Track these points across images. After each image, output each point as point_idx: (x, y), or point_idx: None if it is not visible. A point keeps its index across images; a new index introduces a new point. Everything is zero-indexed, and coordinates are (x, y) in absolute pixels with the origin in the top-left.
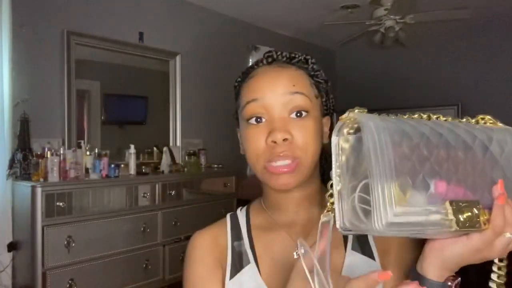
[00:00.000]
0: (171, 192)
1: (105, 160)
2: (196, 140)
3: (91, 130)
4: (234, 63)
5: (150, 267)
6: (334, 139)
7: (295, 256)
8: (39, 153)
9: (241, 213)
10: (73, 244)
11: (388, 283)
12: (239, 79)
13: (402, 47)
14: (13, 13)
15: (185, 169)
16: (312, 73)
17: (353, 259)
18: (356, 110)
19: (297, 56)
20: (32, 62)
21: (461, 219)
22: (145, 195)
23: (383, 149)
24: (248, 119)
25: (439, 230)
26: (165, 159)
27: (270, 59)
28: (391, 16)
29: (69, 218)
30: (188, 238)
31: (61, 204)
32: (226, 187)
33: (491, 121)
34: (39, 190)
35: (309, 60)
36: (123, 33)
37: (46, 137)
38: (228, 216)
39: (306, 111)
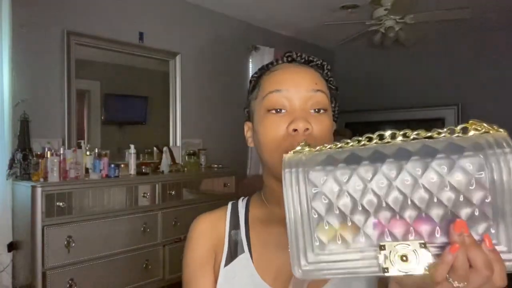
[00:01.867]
0: (171, 192)
1: (105, 160)
2: (196, 140)
3: (91, 130)
4: (234, 63)
5: (150, 267)
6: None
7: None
8: (39, 153)
9: (242, 203)
10: (73, 244)
11: None
12: (257, 73)
13: (402, 47)
14: (13, 13)
15: (185, 169)
16: (327, 78)
17: None
18: (291, 152)
19: (314, 60)
20: (32, 62)
21: (394, 264)
22: (145, 195)
23: (296, 200)
24: (269, 109)
25: (373, 270)
26: (165, 159)
27: (290, 58)
28: (391, 16)
29: (69, 218)
30: None
31: (61, 204)
32: (226, 187)
33: (482, 127)
34: (39, 190)
35: (325, 66)
36: (123, 33)
37: (46, 137)
38: (229, 204)
39: (325, 109)
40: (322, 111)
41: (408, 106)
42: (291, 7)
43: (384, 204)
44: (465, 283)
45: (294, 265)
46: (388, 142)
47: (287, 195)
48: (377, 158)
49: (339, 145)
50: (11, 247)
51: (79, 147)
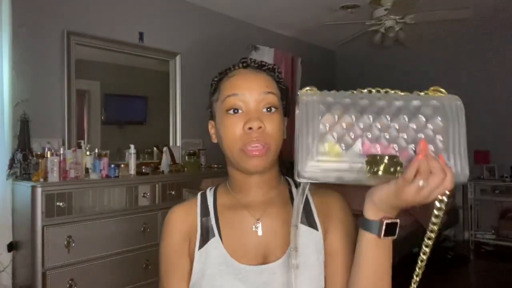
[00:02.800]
0: (171, 192)
1: (105, 160)
2: (196, 140)
3: (91, 130)
4: (234, 63)
5: (150, 267)
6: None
7: (253, 229)
8: (39, 153)
9: (209, 193)
10: (73, 244)
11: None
12: (217, 78)
13: (402, 47)
14: (13, 13)
15: (185, 169)
16: (277, 80)
17: (300, 230)
18: (306, 89)
19: (266, 64)
20: (32, 62)
21: (376, 168)
22: (145, 195)
23: (309, 118)
24: (227, 110)
25: (361, 176)
26: (165, 159)
27: (245, 64)
28: (391, 16)
29: (69, 218)
30: None
31: (61, 204)
32: None
33: (440, 92)
34: (39, 190)
35: (276, 69)
36: (123, 33)
37: (46, 137)
38: (199, 194)
39: (275, 108)
40: (273, 109)
41: None
42: (291, 7)
43: (370, 133)
44: (427, 183)
45: (300, 167)
46: (378, 92)
47: (303, 114)
48: (369, 101)
49: (341, 92)
50: (11, 247)
51: (79, 147)
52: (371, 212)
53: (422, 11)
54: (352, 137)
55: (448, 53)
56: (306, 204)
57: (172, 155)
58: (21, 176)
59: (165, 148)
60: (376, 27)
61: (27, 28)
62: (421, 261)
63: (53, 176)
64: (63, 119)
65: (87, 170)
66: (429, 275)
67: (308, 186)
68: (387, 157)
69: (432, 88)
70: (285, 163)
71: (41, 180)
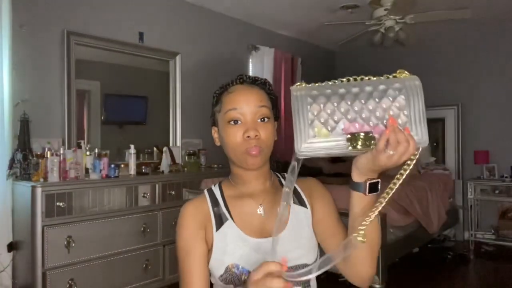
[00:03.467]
0: (171, 192)
1: (105, 160)
2: (196, 140)
3: (91, 130)
4: (234, 63)
5: (150, 267)
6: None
7: (258, 212)
8: (39, 153)
9: (215, 188)
10: (73, 244)
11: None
12: (218, 91)
13: (402, 47)
14: (13, 13)
15: (185, 169)
16: (269, 91)
17: (295, 209)
18: (296, 85)
19: (259, 79)
20: (32, 62)
21: (355, 143)
22: (145, 195)
23: (300, 109)
24: (229, 121)
25: (345, 151)
26: (165, 159)
27: (241, 80)
28: (391, 16)
29: (69, 218)
30: None
31: (61, 204)
32: None
33: (404, 74)
34: (39, 190)
35: (267, 83)
36: (123, 33)
37: (46, 137)
38: (205, 191)
39: (268, 118)
40: (266, 119)
41: None
42: (291, 7)
43: (348, 115)
44: (395, 152)
45: (296, 148)
46: (355, 79)
47: (295, 106)
48: (346, 90)
49: (324, 83)
50: (11, 247)
51: (79, 147)
52: (356, 176)
53: (422, 11)
54: (335, 119)
55: (448, 53)
56: (294, 188)
57: (172, 155)
58: (21, 176)
59: (165, 148)
60: (376, 27)
61: (27, 28)
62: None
63: (53, 176)
64: (63, 119)
65: (87, 170)
66: (429, 275)
67: (298, 164)
68: (362, 134)
69: (398, 70)
70: (274, 161)
71: (41, 180)
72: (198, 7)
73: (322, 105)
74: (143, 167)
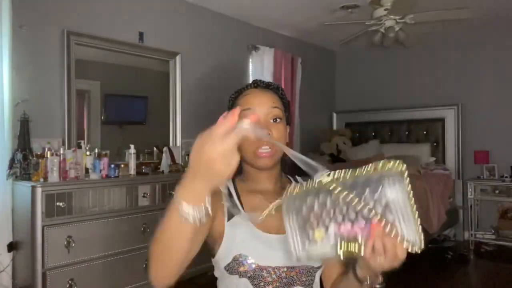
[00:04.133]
0: (171, 192)
1: (105, 160)
2: None
3: (91, 130)
4: (234, 63)
5: None
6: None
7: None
8: (39, 153)
9: (230, 183)
10: (73, 244)
11: None
12: (233, 95)
13: (402, 47)
14: (13, 13)
15: (185, 169)
16: (281, 96)
17: None
18: (288, 194)
19: (272, 84)
20: (32, 62)
21: (344, 249)
22: (145, 195)
23: (290, 218)
24: None
25: (337, 256)
26: (165, 159)
27: (255, 84)
28: (391, 16)
29: (69, 218)
30: None
31: (61, 204)
32: None
33: (388, 164)
34: (39, 190)
35: (280, 88)
36: (123, 33)
37: (46, 137)
38: None
39: (280, 118)
40: (278, 120)
41: (408, 106)
42: (291, 7)
43: (335, 219)
44: (383, 257)
45: (295, 256)
46: (337, 179)
47: (286, 217)
48: (330, 203)
49: (308, 185)
50: (11, 247)
51: (79, 147)
52: (359, 271)
53: (422, 11)
54: (325, 223)
55: (448, 53)
56: None
57: (172, 155)
58: (21, 176)
59: (165, 148)
60: (376, 27)
61: (27, 28)
62: None
63: (53, 176)
64: (63, 119)
65: (87, 170)
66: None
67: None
68: (348, 243)
69: (382, 161)
70: (286, 162)
71: (41, 180)
72: (198, 7)
73: (312, 215)
74: (143, 167)
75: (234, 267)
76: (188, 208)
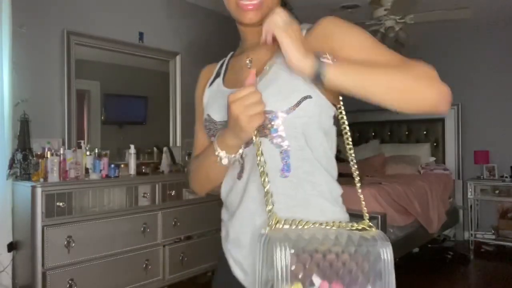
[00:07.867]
0: (171, 192)
1: (105, 160)
2: None
3: (91, 130)
4: None
5: (150, 267)
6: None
7: (248, 67)
8: (39, 153)
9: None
10: (73, 244)
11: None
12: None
13: (402, 47)
14: (13, 13)
15: (185, 169)
16: None
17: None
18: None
19: None
20: (32, 62)
21: None
22: (145, 195)
23: (263, 271)
24: None
25: None
26: (165, 159)
27: None
28: (391, 16)
29: (69, 218)
30: (188, 238)
31: (61, 204)
32: None
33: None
34: (39, 190)
35: None
36: (123, 33)
37: (46, 137)
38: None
39: None
40: None
41: None
42: (291, 7)
43: (322, 272)
44: None
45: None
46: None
47: (258, 268)
48: (308, 245)
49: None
50: (11, 247)
51: (79, 147)
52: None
53: (422, 11)
54: (310, 275)
55: (448, 53)
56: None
57: (172, 155)
58: (21, 176)
59: (165, 148)
60: (376, 27)
61: (27, 28)
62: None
63: (53, 176)
64: (63, 119)
65: (87, 170)
66: (429, 275)
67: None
68: None
69: (367, 224)
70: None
71: (41, 180)
72: (198, 7)
73: (294, 267)
74: (143, 167)
75: (209, 133)
76: (223, 155)
